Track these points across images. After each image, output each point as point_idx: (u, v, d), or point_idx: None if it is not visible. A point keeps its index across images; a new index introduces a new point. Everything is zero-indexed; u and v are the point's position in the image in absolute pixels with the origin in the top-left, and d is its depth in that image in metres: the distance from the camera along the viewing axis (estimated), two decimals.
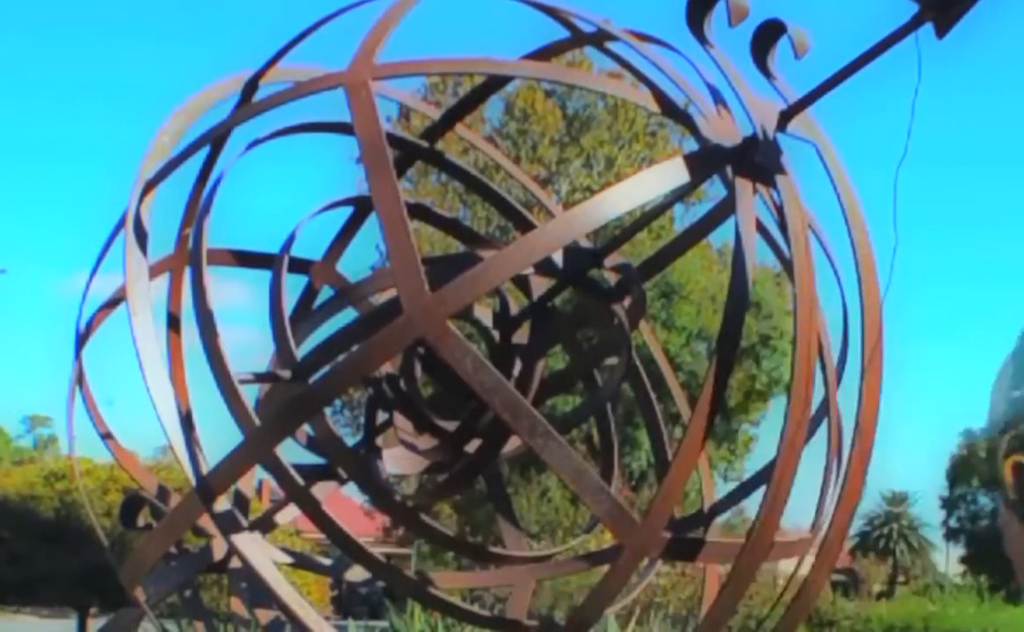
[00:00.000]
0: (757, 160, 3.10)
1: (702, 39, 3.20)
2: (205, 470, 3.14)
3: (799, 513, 3.54)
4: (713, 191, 14.73)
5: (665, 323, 22.64)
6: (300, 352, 3.59)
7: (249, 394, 3.42)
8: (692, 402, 3.05)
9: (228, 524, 3.25)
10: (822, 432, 3.39)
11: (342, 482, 4.12)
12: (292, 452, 3.54)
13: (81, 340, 3.93)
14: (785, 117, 3.13)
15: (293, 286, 3.92)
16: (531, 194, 4.86)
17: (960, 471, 45.47)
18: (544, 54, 4.01)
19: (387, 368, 3.75)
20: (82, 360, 3.95)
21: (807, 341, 2.95)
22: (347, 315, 4.12)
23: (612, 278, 3.99)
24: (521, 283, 3.92)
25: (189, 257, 3.48)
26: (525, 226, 4.23)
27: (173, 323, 3.64)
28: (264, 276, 3.71)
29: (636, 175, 3.17)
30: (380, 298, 4.07)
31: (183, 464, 3.15)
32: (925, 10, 2.64)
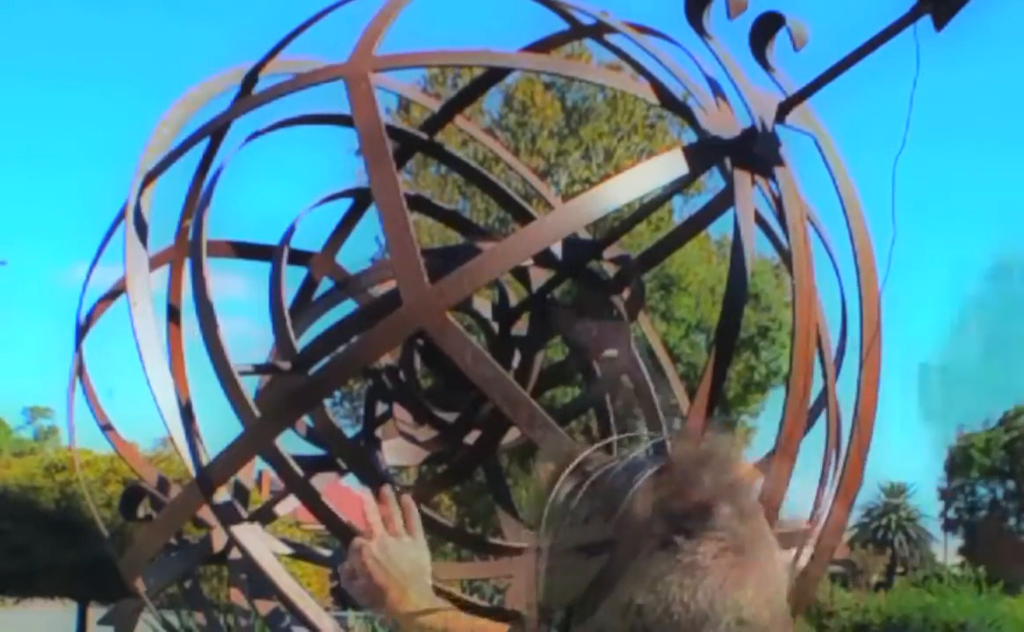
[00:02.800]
0: (756, 152, 3.10)
1: (701, 31, 3.21)
2: (205, 461, 3.15)
3: (797, 504, 3.55)
4: (712, 183, 14.74)
5: (664, 315, 22.66)
6: (300, 343, 3.60)
7: (249, 385, 3.42)
8: (691, 393, 3.06)
9: (228, 515, 3.26)
10: (820, 423, 3.40)
11: (342, 473, 4.12)
12: (292, 443, 3.55)
13: (81, 331, 3.94)
14: (784, 109, 3.13)
15: (293, 278, 3.92)
16: (530, 186, 4.87)
17: (958, 462, 45.56)
18: (543, 46, 4.01)
19: (387, 360, 3.75)
20: (82, 351, 3.95)
21: (805, 333, 2.95)
22: (347, 307, 4.12)
23: (611, 270, 3.99)
24: (520, 275, 3.92)
25: (189, 249, 3.48)
26: (524, 218, 4.23)
27: (173, 314, 3.65)
28: (264, 268, 3.71)
29: (635, 167, 3.17)
30: (380, 290, 4.07)
31: (183, 455, 3.16)
32: (923, 2, 2.65)
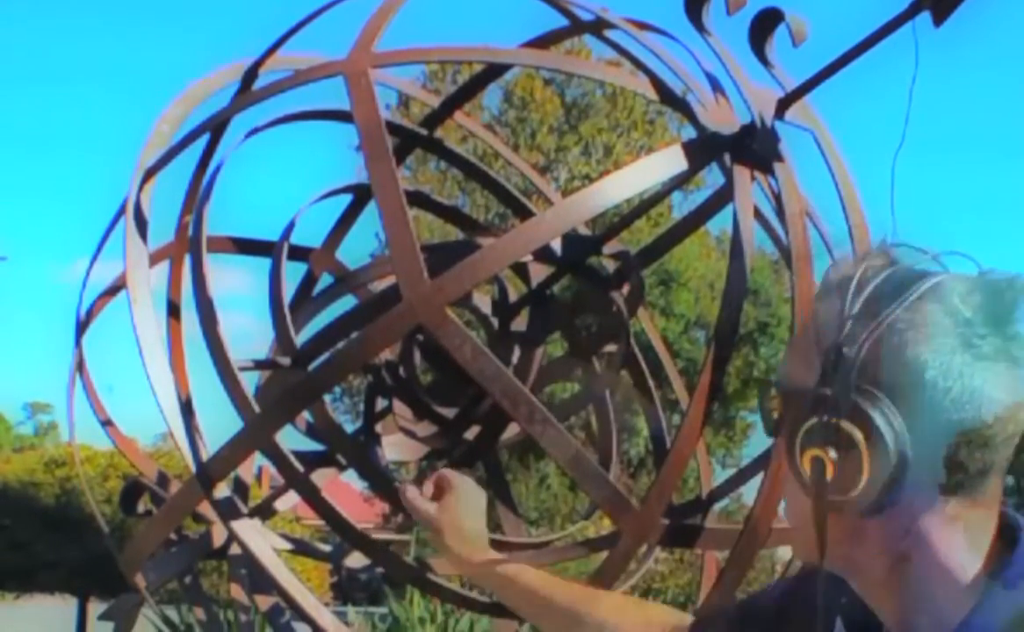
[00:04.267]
0: (755, 148, 3.10)
1: (700, 27, 3.21)
2: (205, 457, 3.16)
3: None
4: (711, 179, 14.75)
5: (664, 310, 22.69)
6: (300, 339, 3.60)
7: (249, 381, 3.43)
8: (690, 389, 3.06)
9: (228, 510, 3.26)
10: None
11: (341, 469, 4.13)
12: (292, 439, 3.56)
13: (81, 327, 3.94)
14: (783, 105, 3.13)
15: (293, 273, 3.93)
16: (530, 182, 4.86)
17: None
18: (542, 42, 4.01)
19: (386, 355, 3.75)
20: (82, 347, 3.95)
21: (804, 328, 2.95)
22: (347, 302, 4.12)
23: (611, 265, 4.00)
24: (520, 270, 3.92)
25: (189, 245, 3.49)
26: (524, 214, 4.23)
27: (173, 310, 3.65)
28: (264, 263, 3.72)
29: (634, 163, 3.17)
30: (379, 285, 4.08)
31: (183, 451, 3.16)
32: None
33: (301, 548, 4.61)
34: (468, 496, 2.36)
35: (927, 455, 1.32)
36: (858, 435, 1.32)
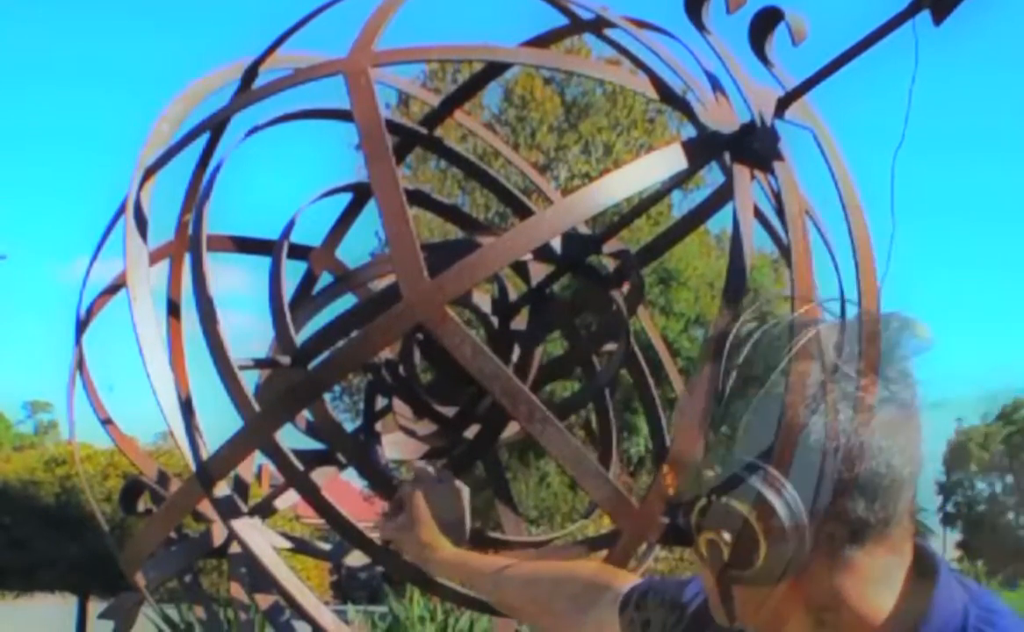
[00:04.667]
0: (755, 147, 3.10)
1: (700, 26, 3.20)
2: (205, 456, 3.16)
3: None
4: (711, 178, 14.75)
5: (663, 309, 22.69)
6: (300, 338, 3.60)
7: (249, 380, 3.43)
8: None
9: (228, 509, 3.27)
10: None
11: (341, 467, 4.13)
12: (292, 438, 3.56)
13: (81, 326, 3.94)
14: (783, 104, 3.13)
15: (292, 272, 3.93)
16: (530, 181, 4.86)
17: (957, 456, 45.58)
18: (542, 41, 4.00)
19: (386, 354, 3.76)
20: (82, 346, 3.96)
21: None
22: (347, 301, 4.13)
23: (610, 264, 4.00)
24: (520, 269, 3.92)
25: (189, 243, 3.49)
26: (524, 212, 4.23)
27: (173, 309, 3.65)
28: (264, 262, 3.72)
29: (634, 161, 3.17)
30: (379, 284, 4.08)
31: (183, 450, 3.16)
32: None
33: (301, 547, 4.61)
34: (427, 506, 2.60)
35: (825, 516, 1.28)
36: (750, 513, 1.28)
